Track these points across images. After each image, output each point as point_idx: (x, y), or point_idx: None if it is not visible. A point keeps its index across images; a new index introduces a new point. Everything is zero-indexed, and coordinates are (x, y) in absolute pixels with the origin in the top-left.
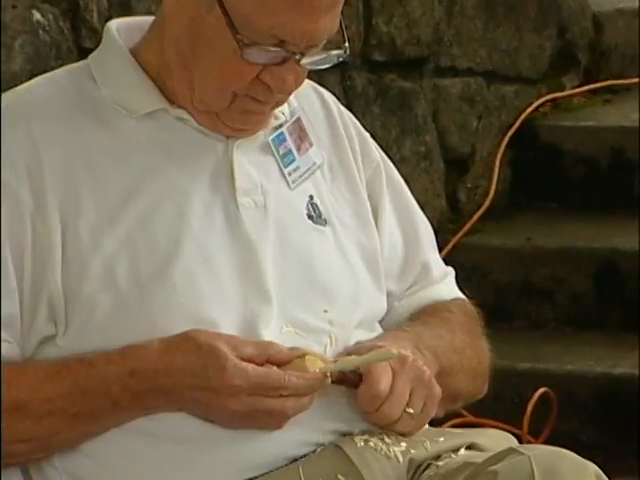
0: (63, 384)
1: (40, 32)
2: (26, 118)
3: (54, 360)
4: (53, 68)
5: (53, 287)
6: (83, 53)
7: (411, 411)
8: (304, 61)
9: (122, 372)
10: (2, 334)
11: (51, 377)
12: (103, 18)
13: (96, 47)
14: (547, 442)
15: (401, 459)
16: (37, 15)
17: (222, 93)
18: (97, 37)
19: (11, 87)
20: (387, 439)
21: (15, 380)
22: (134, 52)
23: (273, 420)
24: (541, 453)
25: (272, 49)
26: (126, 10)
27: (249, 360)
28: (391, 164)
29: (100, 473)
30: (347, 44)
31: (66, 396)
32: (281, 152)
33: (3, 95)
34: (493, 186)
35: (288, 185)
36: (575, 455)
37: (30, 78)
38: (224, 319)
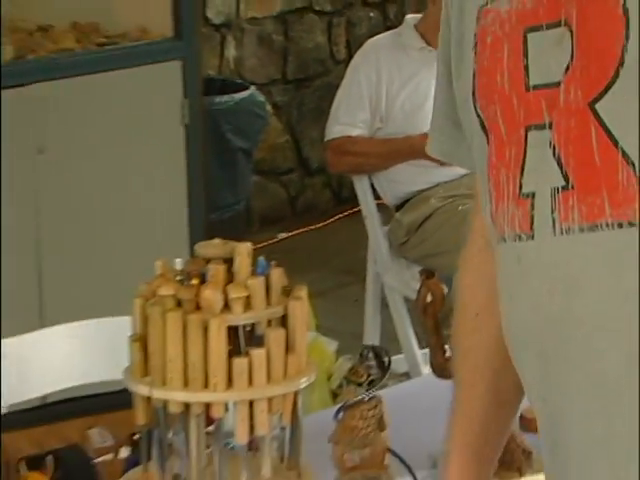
0: (383, 146)
1: (371, 19)
2: (376, 49)
3: (381, 137)
4: (377, 33)
5: (379, 110)
6: (388, 27)
7: None
8: None
9: (406, 145)
10: (364, 125)
11: (378, 144)
12: (397, 13)
13: (396, 24)
14: None
15: None
16: (370, 13)
17: None
18: (394, 21)
19: (363, 41)
20: None
21: (364, 143)
22: (416, 26)
23: None
24: None
25: None
26: (404, 9)
27: None
28: None
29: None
30: None
31: (384, 150)
32: None
33: (368, 41)
34: None
35: None
36: None
37: (368, 37)
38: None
